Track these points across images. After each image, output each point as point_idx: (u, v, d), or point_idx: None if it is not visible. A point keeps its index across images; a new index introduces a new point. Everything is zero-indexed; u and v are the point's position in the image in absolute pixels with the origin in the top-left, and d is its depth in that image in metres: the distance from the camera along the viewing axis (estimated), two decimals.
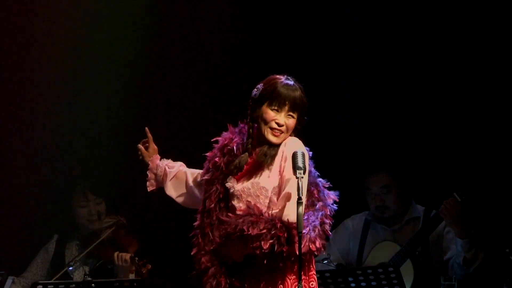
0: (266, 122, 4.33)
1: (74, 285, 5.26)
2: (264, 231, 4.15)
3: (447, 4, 6.46)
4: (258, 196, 4.30)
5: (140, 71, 6.61)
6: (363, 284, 5.32)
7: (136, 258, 5.67)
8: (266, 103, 4.34)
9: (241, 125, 4.45)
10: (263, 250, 4.14)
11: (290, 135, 4.37)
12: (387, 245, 6.05)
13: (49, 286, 5.22)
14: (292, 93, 4.33)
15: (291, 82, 4.37)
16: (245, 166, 4.35)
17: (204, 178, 4.43)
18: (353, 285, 5.31)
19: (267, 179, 4.33)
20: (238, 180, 4.35)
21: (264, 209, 4.25)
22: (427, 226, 5.98)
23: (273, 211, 4.23)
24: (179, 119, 6.68)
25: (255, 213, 4.22)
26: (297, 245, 4.11)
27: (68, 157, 6.55)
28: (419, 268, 5.90)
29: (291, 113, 4.33)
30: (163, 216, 6.51)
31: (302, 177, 4.19)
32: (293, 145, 4.31)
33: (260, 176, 4.32)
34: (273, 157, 4.32)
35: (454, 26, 6.45)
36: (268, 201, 4.30)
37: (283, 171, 4.30)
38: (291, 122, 4.33)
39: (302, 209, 4.13)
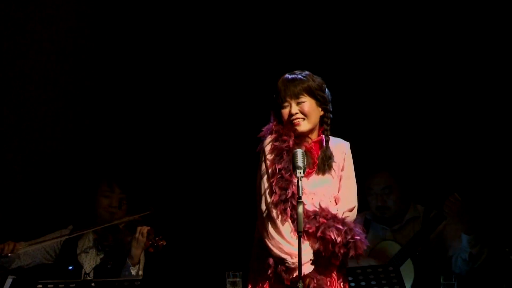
0: (285, 120, 4.55)
1: (74, 285, 5.24)
2: (344, 240, 4.50)
3: (447, 4, 6.47)
4: (325, 195, 4.57)
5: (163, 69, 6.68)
6: (362, 283, 5.30)
7: (153, 235, 5.78)
8: (280, 105, 4.57)
9: (272, 117, 4.65)
10: (340, 253, 4.52)
11: (325, 121, 4.59)
12: (388, 244, 6.05)
13: (49, 286, 5.21)
14: (289, 84, 4.56)
15: (290, 76, 4.59)
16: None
17: (279, 166, 4.53)
18: (352, 284, 5.29)
19: (332, 180, 4.59)
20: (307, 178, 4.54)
21: (334, 212, 4.54)
22: (428, 226, 5.98)
23: (344, 215, 4.55)
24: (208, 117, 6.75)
25: (336, 219, 4.51)
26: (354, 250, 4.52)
27: (92, 151, 6.60)
28: (419, 268, 5.90)
29: (299, 100, 4.54)
30: (184, 220, 6.56)
31: (302, 177, 4.29)
32: (337, 149, 4.60)
33: (324, 177, 4.57)
34: (331, 158, 4.56)
35: (454, 26, 6.46)
36: (329, 201, 4.57)
37: (341, 176, 4.62)
38: (304, 106, 4.54)
39: (302, 208, 4.19)
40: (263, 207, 4.52)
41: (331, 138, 4.62)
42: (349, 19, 6.61)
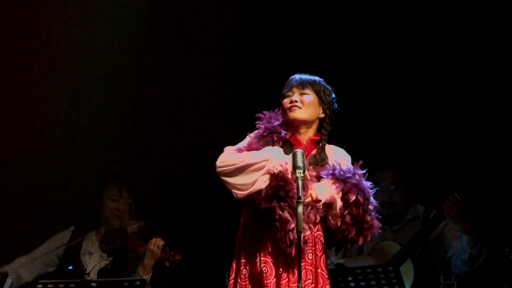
0: (284, 109, 4.58)
1: (73, 285, 5.25)
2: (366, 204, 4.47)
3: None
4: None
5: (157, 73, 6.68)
6: (362, 283, 5.31)
7: (168, 248, 5.78)
8: (284, 96, 4.62)
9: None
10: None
11: (324, 127, 4.57)
12: (388, 244, 6.05)
13: (49, 286, 5.21)
14: (299, 75, 4.63)
15: (301, 74, 4.64)
16: None
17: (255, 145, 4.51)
18: (352, 284, 5.30)
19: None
20: None
21: None
22: (427, 226, 5.97)
23: None
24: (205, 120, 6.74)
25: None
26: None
27: (94, 153, 6.57)
28: (419, 268, 5.90)
29: (303, 91, 4.58)
30: (190, 224, 6.56)
31: (302, 177, 4.27)
32: (340, 151, 4.57)
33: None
34: (324, 160, 4.53)
35: (460, 24, 6.45)
36: None
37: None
38: (305, 97, 4.58)
39: (301, 208, 4.18)
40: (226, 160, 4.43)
41: (329, 145, 4.62)
42: (359, 16, 6.61)
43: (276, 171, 4.33)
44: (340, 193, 4.41)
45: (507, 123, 6.32)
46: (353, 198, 4.40)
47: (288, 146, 4.50)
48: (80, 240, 5.99)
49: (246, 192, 4.36)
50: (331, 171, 4.46)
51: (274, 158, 4.36)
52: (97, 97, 6.60)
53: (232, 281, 4.47)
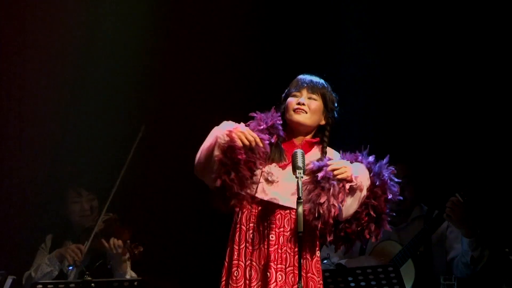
0: (289, 108, 4.50)
1: (73, 285, 5.25)
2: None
3: None
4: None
5: (135, 69, 6.60)
6: (362, 283, 5.31)
7: (128, 241, 5.74)
8: (289, 95, 4.55)
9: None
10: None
11: (325, 134, 4.54)
12: (389, 244, 6.04)
13: (48, 286, 5.21)
14: (309, 77, 4.57)
15: (311, 76, 4.58)
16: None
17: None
18: (352, 284, 5.31)
19: None
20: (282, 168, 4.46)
21: None
22: (429, 226, 5.96)
23: None
24: (176, 118, 6.68)
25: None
26: None
27: (61, 157, 6.51)
28: (420, 268, 5.90)
29: (311, 95, 4.52)
30: (156, 213, 6.53)
31: (302, 177, 4.27)
32: (338, 156, 4.50)
33: None
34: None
35: (472, 20, 6.44)
36: None
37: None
38: (313, 103, 4.51)
39: (301, 208, 4.17)
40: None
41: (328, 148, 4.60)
42: (369, 10, 6.63)
43: (224, 143, 4.31)
44: (369, 185, 4.42)
45: (508, 125, 6.32)
46: (387, 194, 4.42)
47: (278, 150, 4.47)
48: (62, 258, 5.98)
49: (217, 179, 4.34)
50: (370, 160, 4.47)
51: (220, 133, 4.33)
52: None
53: (223, 282, 4.46)
